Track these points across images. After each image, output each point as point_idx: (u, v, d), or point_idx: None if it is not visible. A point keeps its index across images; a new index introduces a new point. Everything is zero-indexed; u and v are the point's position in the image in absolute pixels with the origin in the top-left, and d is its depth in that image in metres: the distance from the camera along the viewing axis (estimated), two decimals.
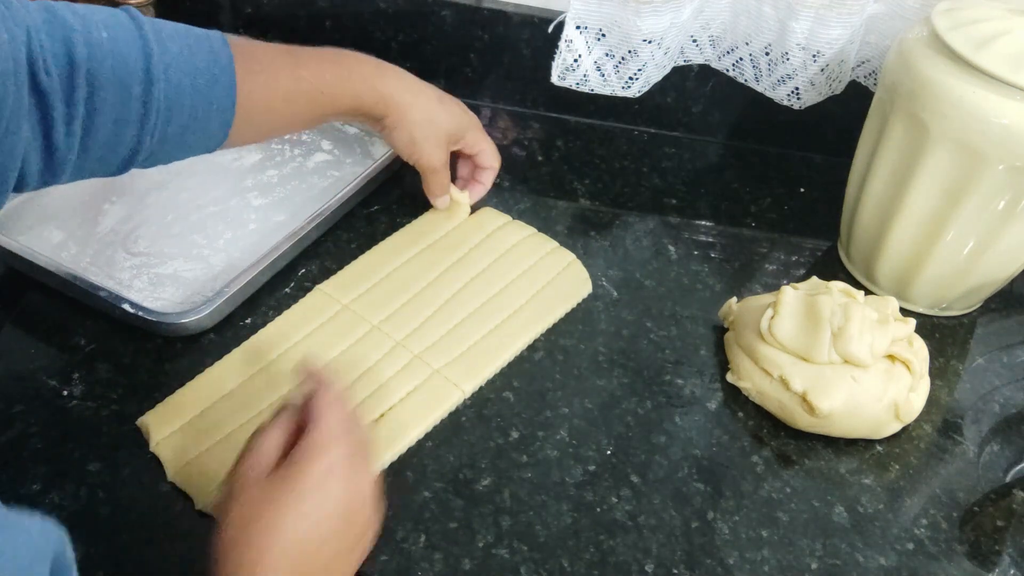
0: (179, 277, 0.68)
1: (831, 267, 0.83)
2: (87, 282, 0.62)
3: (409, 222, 0.77)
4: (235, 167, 0.79)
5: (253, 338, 0.64)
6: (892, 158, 0.73)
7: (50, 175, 0.51)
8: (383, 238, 0.75)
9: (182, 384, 0.60)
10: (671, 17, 0.79)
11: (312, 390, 0.48)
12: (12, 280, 0.66)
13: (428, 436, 0.61)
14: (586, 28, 0.81)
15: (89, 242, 0.70)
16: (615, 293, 0.75)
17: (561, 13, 0.81)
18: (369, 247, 0.74)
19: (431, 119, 0.70)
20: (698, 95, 0.94)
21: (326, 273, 0.71)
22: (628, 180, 0.89)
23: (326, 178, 0.80)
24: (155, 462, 0.56)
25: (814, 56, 0.82)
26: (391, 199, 0.79)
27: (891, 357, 0.65)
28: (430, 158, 0.71)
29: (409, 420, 0.61)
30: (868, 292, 0.76)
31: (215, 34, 0.58)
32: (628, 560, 0.56)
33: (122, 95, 0.51)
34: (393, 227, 0.76)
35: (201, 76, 0.55)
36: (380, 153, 0.81)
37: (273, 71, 0.61)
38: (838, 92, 0.87)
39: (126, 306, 0.61)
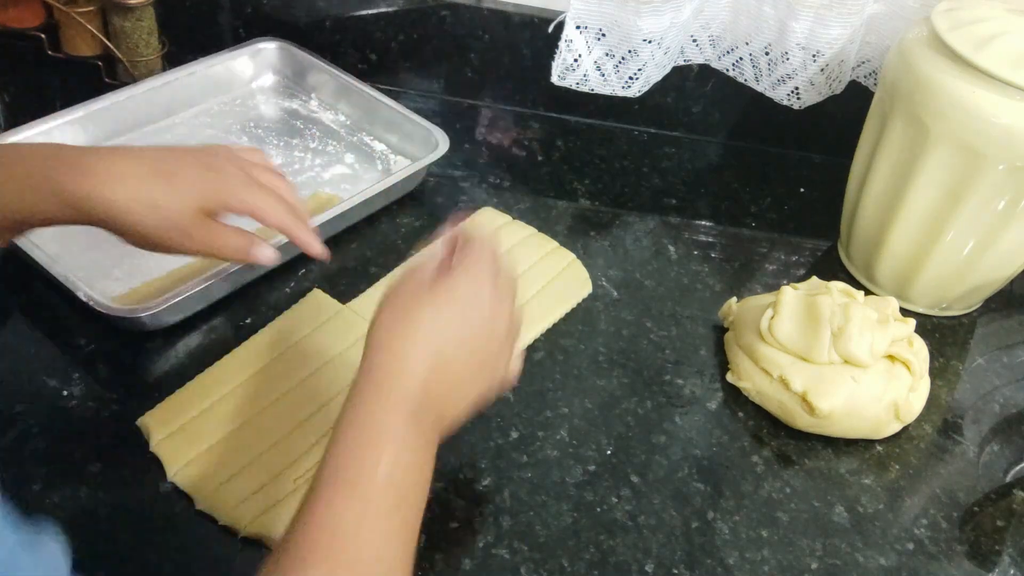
0: (177, 276, 0.68)
1: (831, 267, 0.83)
2: (74, 283, 0.62)
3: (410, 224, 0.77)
4: None
5: (253, 338, 0.64)
6: (892, 158, 0.73)
7: None
8: (382, 238, 0.75)
9: (182, 384, 0.60)
10: (671, 17, 0.79)
11: (464, 235, 0.50)
12: (12, 280, 0.66)
13: None
14: (586, 28, 0.81)
15: (89, 242, 0.69)
16: (615, 293, 0.75)
17: (561, 13, 0.81)
18: (368, 246, 0.74)
19: (154, 205, 0.52)
20: (698, 95, 0.93)
21: (326, 273, 0.71)
22: (628, 180, 0.89)
23: (339, 191, 0.78)
24: (155, 462, 0.56)
25: (814, 56, 0.83)
26: (393, 203, 0.79)
27: (891, 357, 0.65)
28: (182, 247, 0.55)
29: None
30: (868, 292, 0.76)
31: None
32: (628, 560, 0.56)
33: None
34: (393, 229, 0.76)
35: None
36: (398, 168, 0.79)
37: None
38: (838, 92, 0.87)
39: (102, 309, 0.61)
